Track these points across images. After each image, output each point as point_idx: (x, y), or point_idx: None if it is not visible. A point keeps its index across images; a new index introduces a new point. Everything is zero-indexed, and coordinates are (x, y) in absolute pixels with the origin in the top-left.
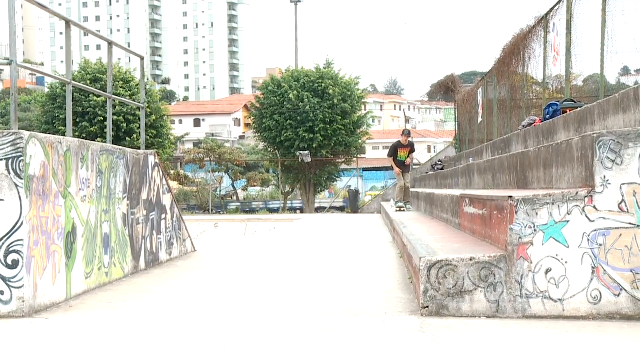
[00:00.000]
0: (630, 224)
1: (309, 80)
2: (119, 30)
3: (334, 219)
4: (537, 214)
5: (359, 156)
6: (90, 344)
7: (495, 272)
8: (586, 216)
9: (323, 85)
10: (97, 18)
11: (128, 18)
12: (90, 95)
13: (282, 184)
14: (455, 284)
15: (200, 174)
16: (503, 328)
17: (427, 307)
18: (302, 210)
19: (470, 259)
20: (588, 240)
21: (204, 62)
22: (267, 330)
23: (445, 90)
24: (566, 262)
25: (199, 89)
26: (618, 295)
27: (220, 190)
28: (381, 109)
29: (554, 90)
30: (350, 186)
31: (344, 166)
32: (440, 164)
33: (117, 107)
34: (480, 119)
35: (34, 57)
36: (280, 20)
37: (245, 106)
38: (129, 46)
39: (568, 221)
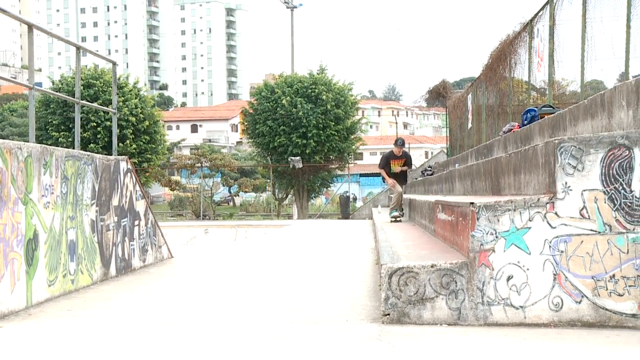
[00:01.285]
0: (591, 230)
1: (302, 85)
2: (116, 36)
3: (323, 225)
4: (498, 220)
5: (354, 162)
6: (35, 353)
7: (456, 279)
8: (548, 222)
9: (316, 90)
10: (95, 24)
11: (126, 24)
12: (83, 101)
13: (277, 190)
14: (417, 291)
15: (196, 180)
16: (461, 336)
17: (388, 314)
18: (290, 216)
19: (432, 266)
20: (550, 246)
21: (202, 68)
22: (221, 339)
23: (437, 96)
24: (528, 269)
25: (196, 94)
26: (579, 303)
27: (212, 196)
28: (379, 115)
29: (538, 95)
30: (346, 192)
31: (340, 172)
32: (430, 170)
33: (109, 113)
34: (470, 125)
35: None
36: (278, 26)
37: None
38: (126, 52)
39: (530, 228)
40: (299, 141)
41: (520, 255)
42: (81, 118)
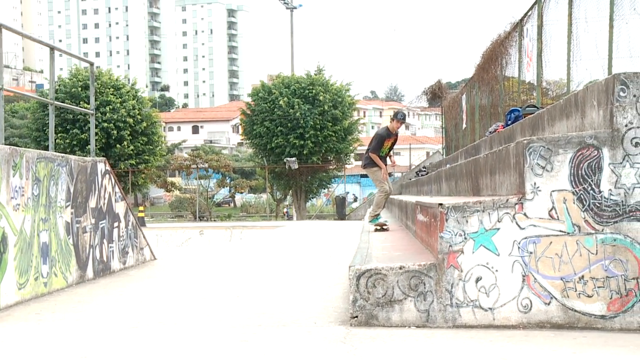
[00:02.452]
0: (560, 231)
1: (300, 86)
2: (117, 38)
3: (316, 227)
4: (467, 221)
5: (353, 163)
6: None
7: (425, 281)
8: (517, 223)
9: (314, 91)
10: (96, 25)
11: (127, 25)
12: (81, 102)
13: (275, 191)
14: (385, 293)
15: (195, 181)
16: (427, 338)
17: (356, 317)
18: (290, 217)
19: (400, 268)
20: (519, 248)
21: (203, 69)
22: (184, 342)
23: (432, 96)
24: (497, 271)
25: (198, 95)
26: (548, 304)
27: (213, 197)
28: (380, 116)
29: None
30: (344, 192)
31: (338, 173)
32: (425, 171)
33: (107, 114)
34: (464, 125)
35: (34, 65)
36: (279, 26)
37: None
38: (127, 54)
39: (498, 229)
40: (297, 142)
41: (489, 257)
42: (79, 119)
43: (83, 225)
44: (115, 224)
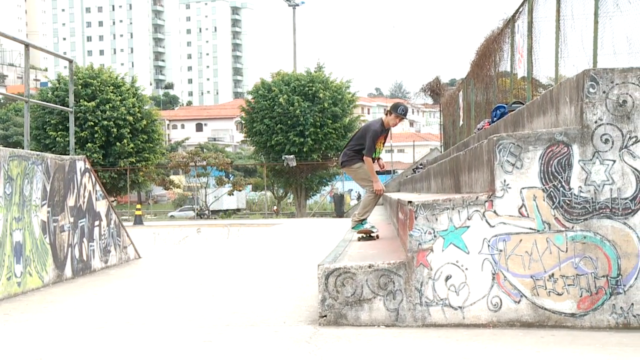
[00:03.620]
0: (530, 229)
1: (300, 84)
2: (121, 35)
3: (312, 225)
4: (436, 219)
5: None
6: None
7: (394, 280)
8: (486, 221)
9: (313, 89)
10: (100, 23)
11: (131, 23)
12: (81, 100)
13: (278, 188)
14: (354, 292)
15: (203, 179)
16: (394, 338)
17: (325, 316)
18: (293, 215)
19: (369, 266)
20: (488, 245)
21: (208, 66)
22: (145, 343)
23: (431, 93)
24: (466, 269)
25: (202, 93)
26: (518, 302)
27: (211, 195)
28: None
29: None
30: (351, 190)
31: (339, 170)
32: (422, 167)
33: (107, 112)
34: (461, 122)
35: (38, 63)
36: (283, 24)
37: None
38: (132, 51)
39: (468, 226)
40: (296, 139)
41: (459, 255)
42: (78, 117)
43: (61, 224)
44: (96, 223)
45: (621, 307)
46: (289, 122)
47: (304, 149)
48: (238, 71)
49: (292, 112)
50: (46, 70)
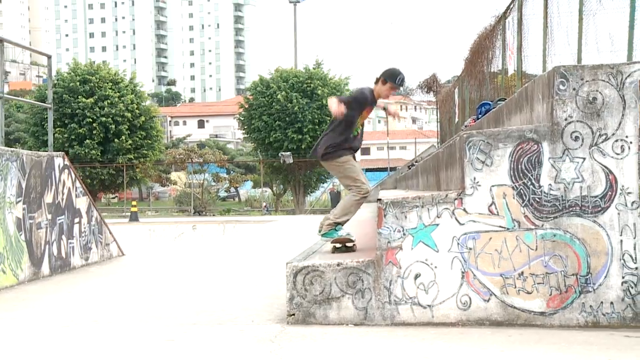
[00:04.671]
0: (500, 226)
1: (298, 80)
2: (124, 32)
3: (306, 222)
4: (406, 217)
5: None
6: None
7: (363, 278)
8: (456, 219)
9: (312, 85)
10: (103, 20)
11: (133, 20)
12: (79, 97)
13: (278, 185)
14: (323, 290)
15: (206, 175)
16: (360, 337)
17: (294, 314)
18: (293, 211)
19: (338, 265)
20: (458, 244)
21: (210, 63)
22: (108, 342)
23: (428, 90)
24: (436, 267)
25: (204, 90)
26: (488, 301)
27: (203, 191)
28: None
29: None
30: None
31: None
32: (416, 164)
33: (105, 109)
34: (457, 119)
35: (41, 59)
36: (286, 20)
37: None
38: (134, 48)
39: (438, 224)
40: (295, 136)
41: (428, 253)
42: (77, 114)
43: (37, 221)
44: (76, 220)
45: (590, 306)
46: (287, 118)
47: (302, 146)
48: (240, 68)
49: (290, 108)
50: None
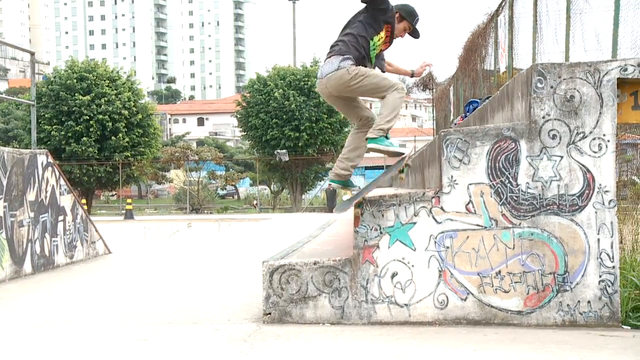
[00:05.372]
0: (477, 225)
1: (295, 78)
2: (124, 29)
3: (301, 220)
4: (383, 215)
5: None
6: None
7: (340, 277)
8: (433, 217)
9: (309, 83)
10: (102, 17)
11: (133, 17)
12: (76, 94)
13: (275, 183)
14: (299, 289)
15: (202, 172)
16: (335, 336)
17: (270, 313)
18: (290, 209)
19: (315, 263)
20: (435, 242)
21: (210, 61)
22: (79, 342)
23: (424, 87)
24: (413, 266)
25: (204, 87)
26: (465, 300)
27: (200, 189)
28: None
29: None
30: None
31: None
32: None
33: (102, 106)
34: (452, 117)
35: (40, 57)
36: (286, 18)
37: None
38: (134, 45)
39: (415, 223)
40: (292, 134)
41: (405, 252)
42: (74, 112)
43: (19, 219)
44: (60, 218)
45: (568, 305)
46: (284, 116)
47: (300, 144)
48: (240, 65)
49: (287, 106)
50: (48, 64)
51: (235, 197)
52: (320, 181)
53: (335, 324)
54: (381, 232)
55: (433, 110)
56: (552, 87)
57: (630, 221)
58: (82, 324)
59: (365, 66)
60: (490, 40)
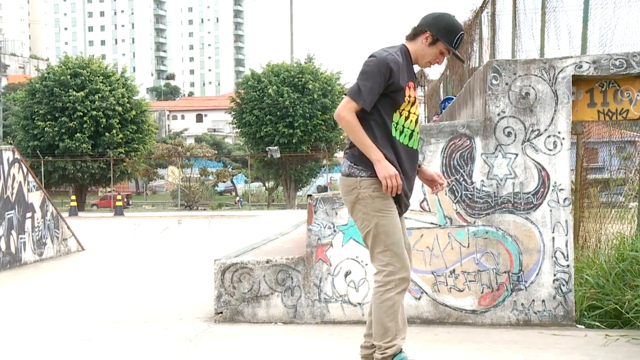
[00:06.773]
0: (432, 223)
1: (289, 75)
2: (123, 26)
3: (290, 217)
4: (336, 213)
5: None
6: None
7: (293, 276)
8: None
9: (303, 80)
10: (102, 13)
11: (132, 13)
12: (70, 90)
13: (267, 180)
14: (251, 288)
15: (195, 169)
16: (284, 336)
17: (221, 312)
18: (284, 206)
19: (267, 262)
20: None
21: (209, 57)
22: (21, 342)
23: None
24: (366, 265)
25: (204, 84)
26: (419, 299)
27: (191, 185)
28: None
29: None
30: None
31: (329, 162)
32: None
33: (96, 102)
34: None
35: (40, 53)
36: (286, 15)
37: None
38: (133, 42)
39: None
40: (286, 131)
41: (359, 250)
42: (67, 107)
43: None
44: (28, 215)
45: (522, 304)
46: (278, 113)
47: (293, 141)
48: (240, 62)
49: (281, 103)
50: (48, 60)
51: (234, 193)
52: (313, 178)
53: (288, 323)
54: (335, 231)
55: (425, 108)
56: (507, 83)
57: (593, 219)
58: (30, 323)
59: None
60: (475, 37)
